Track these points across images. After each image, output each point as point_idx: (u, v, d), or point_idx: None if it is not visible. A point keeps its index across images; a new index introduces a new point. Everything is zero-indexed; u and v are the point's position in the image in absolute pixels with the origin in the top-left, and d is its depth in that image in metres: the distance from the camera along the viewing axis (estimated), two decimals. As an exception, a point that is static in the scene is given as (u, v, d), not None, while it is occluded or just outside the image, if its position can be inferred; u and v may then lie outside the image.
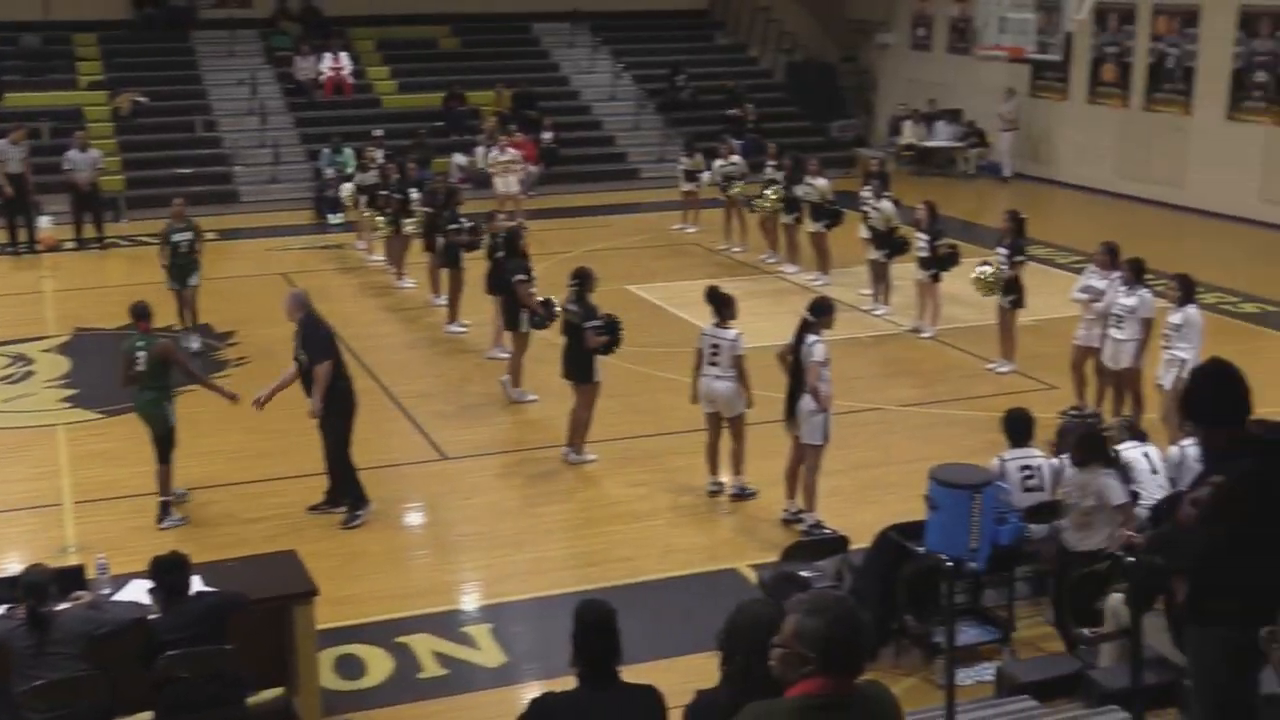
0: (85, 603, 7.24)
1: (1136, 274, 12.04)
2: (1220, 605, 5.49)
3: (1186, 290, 11.40)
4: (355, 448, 11.10)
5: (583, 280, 11.83)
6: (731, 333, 10.82)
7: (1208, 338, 11.53)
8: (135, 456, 12.12)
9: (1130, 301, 11.92)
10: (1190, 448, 8.97)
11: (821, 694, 3.84)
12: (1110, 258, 12.55)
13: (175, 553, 7.32)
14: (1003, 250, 14.19)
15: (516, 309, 13.41)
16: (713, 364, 10.85)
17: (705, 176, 21.38)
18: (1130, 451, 9.16)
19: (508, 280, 13.46)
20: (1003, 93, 26.25)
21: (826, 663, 3.84)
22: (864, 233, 17.07)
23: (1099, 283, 12.50)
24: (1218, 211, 22.52)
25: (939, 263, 15.40)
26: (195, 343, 15.33)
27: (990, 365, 14.48)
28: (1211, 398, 5.50)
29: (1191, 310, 11.35)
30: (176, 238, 15.44)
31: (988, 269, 14.18)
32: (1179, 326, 11.28)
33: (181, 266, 15.50)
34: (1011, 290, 14.15)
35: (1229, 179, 22.52)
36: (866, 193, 17.09)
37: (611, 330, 11.73)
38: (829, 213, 17.91)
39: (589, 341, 11.62)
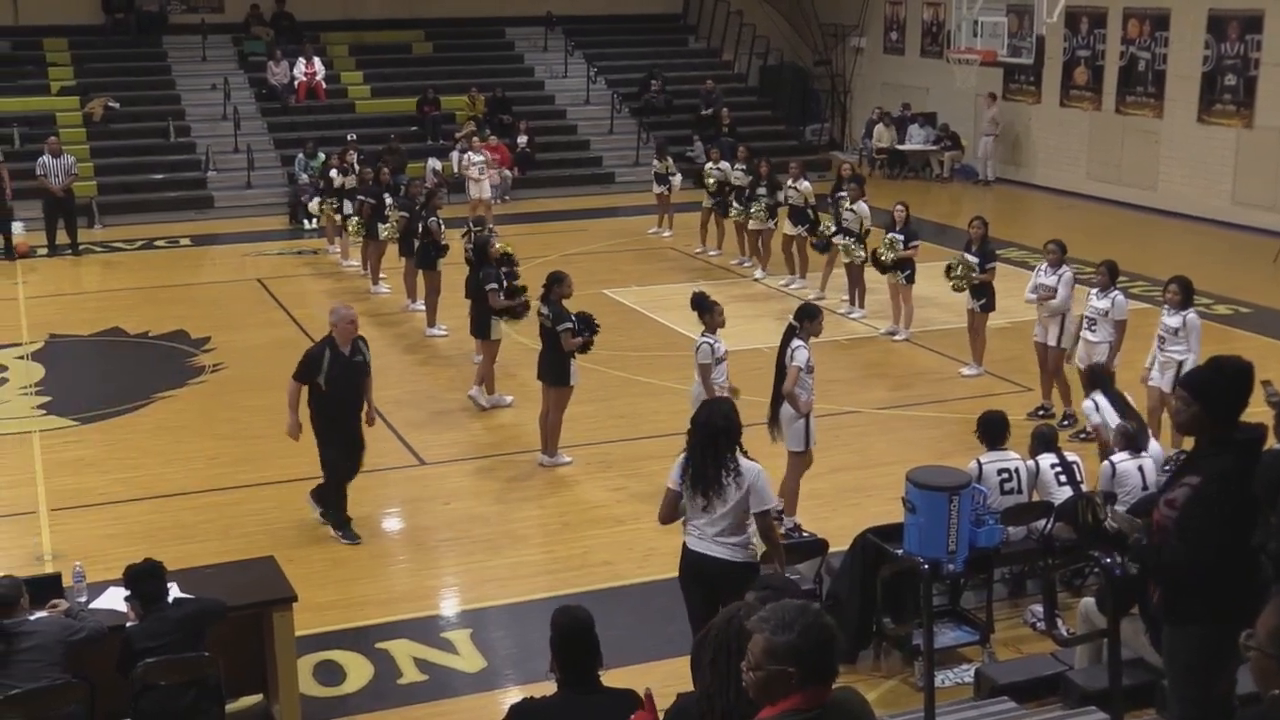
0: (62, 610, 7.22)
1: (1111, 276, 12.12)
2: (1196, 604, 5.52)
3: (1187, 294, 11.43)
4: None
5: (551, 283, 11.81)
6: (697, 339, 10.78)
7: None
8: (110, 463, 12.10)
9: (1103, 304, 12.02)
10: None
11: (800, 709, 3.79)
12: (1060, 254, 12.70)
13: (149, 560, 7.29)
14: (971, 257, 14.18)
15: (486, 316, 13.40)
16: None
17: (676, 180, 21.45)
18: (1125, 464, 9.17)
19: (480, 287, 13.44)
20: (985, 97, 26.33)
21: (807, 675, 3.81)
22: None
23: (1049, 280, 12.65)
24: (1189, 214, 22.67)
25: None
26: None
27: (963, 369, 14.52)
28: (1229, 390, 5.51)
29: (1191, 314, 11.33)
30: None
31: (962, 262, 14.13)
32: (1176, 330, 11.31)
33: None
34: (982, 294, 14.18)
35: (1200, 181, 22.68)
36: (842, 195, 17.13)
37: (588, 328, 11.70)
38: (810, 217, 17.88)
39: (565, 344, 11.60)
